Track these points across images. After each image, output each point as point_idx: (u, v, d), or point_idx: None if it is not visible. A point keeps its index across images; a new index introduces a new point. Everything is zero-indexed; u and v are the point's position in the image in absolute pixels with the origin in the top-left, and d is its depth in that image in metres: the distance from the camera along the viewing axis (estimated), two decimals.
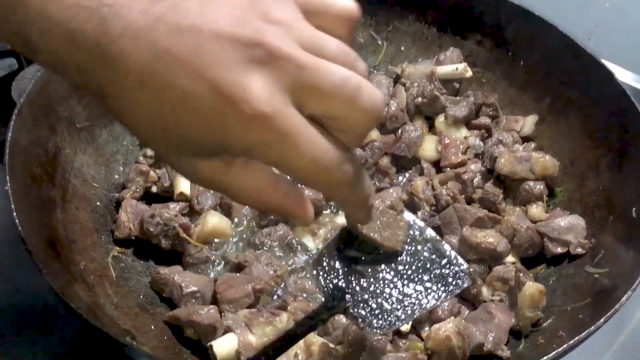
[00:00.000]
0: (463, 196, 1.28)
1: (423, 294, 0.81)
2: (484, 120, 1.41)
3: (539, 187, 1.26)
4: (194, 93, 0.46)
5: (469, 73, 1.45)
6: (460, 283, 0.83)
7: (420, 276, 0.83)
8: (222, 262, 1.20)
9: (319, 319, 0.81)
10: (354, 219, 0.64)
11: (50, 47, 0.46)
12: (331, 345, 1.01)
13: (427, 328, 1.08)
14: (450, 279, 0.83)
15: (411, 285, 0.82)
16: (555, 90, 1.38)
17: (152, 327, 0.99)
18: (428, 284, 0.82)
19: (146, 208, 1.20)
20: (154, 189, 1.27)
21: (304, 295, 1.14)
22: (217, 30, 0.46)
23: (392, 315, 0.80)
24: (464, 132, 1.39)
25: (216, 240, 1.22)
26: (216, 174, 0.52)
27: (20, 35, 0.47)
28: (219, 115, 0.47)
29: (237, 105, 0.46)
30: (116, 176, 1.28)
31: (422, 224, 0.88)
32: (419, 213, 1.25)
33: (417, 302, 0.81)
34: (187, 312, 1.01)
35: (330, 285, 0.78)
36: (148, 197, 1.27)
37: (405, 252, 0.80)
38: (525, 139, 1.38)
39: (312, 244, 1.24)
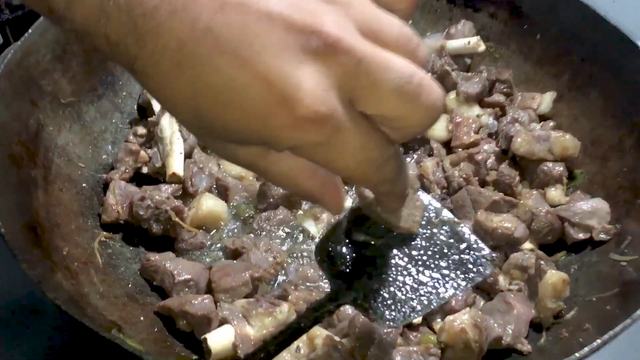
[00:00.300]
0: (476, 178, 1.20)
1: (440, 282, 0.73)
2: (497, 97, 1.33)
3: (559, 168, 1.17)
4: (238, 83, 0.43)
5: (482, 47, 1.37)
6: (482, 270, 0.74)
7: (437, 262, 0.74)
8: (218, 249, 1.13)
9: (324, 310, 0.73)
10: (386, 209, 0.63)
11: (76, 15, 0.42)
12: (336, 338, 0.94)
13: (439, 320, 1.00)
14: (470, 266, 0.74)
15: (427, 272, 0.74)
16: (574, 65, 1.29)
17: (142, 318, 0.94)
18: (446, 271, 0.74)
19: (136, 190, 1.12)
20: (145, 169, 1.19)
21: (307, 283, 1.07)
22: (269, 10, 0.42)
23: (406, 306, 0.72)
24: (476, 110, 1.31)
25: (211, 224, 1.14)
26: (254, 159, 0.51)
27: (44, 1, 0.43)
28: (266, 112, 0.44)
29: (288, 104, 0.43)
30: (104, 156, 1.20)
31: (438, 204, 0.79)
32: (430, 195, 1.16)
33: (434, 291, 0.73)
34: (179, 302, 0.93)
35: (336, 273, 0.71)
36: (138, 179, 1.19)
37: (420, 236, 0.73)
38: (542, 118, 1.30)
39: (315, 228, 1.16)
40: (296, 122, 0.44)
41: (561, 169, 1.18)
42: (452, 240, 0.76)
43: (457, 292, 0.73)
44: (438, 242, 0.76)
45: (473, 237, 0.78)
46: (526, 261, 1.03)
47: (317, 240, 1.14)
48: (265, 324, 0.91)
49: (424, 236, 0.75)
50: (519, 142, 1.18)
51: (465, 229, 0.78)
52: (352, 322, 0.95)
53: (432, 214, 0.78)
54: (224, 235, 1.14)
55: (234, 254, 1.09)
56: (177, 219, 1.09)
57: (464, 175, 1.18)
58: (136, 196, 1.09)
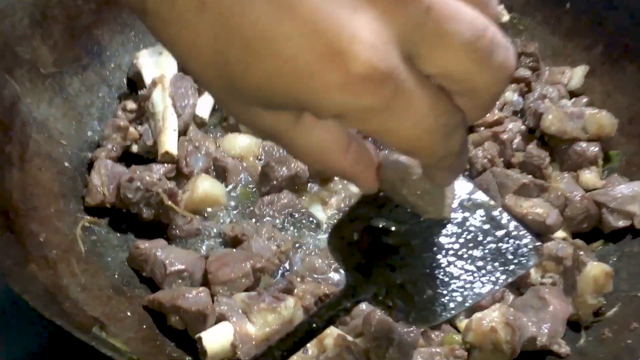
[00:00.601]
0: (501, 159, 1.09)
1: (476, 275, 0.63)
2: (522, 72, 1.21)
3: (593, 149, 1.06)
4: (276, 31, 0.37)
5: (505, 18, 1.27)
6: (524, 262, 0.64)
7: (471, 252, 0.64)
8: (215, 236, 1.03)
9: (340, 308, 0.63)
10: (441, 184, 0.57)
11: None
12: (349, 337, 0.83)
13: (463, 317, 0.89)
14: (510, 256, 0.64)
15: (459, 264, 0.64)
16: (608, 37, 1.19)
17: (129, 314, 0.86)
18: (481, 263, 0.64)
19: (124, 170, 1.01)
20: (135, 148, 1.08)
21: (314, 275, 0.97)
22: None
23: (436, 305, 0.62)
24: None
25: (208, 209, 1.05)
26: (281, 127, 0.45)
27: None
28: (310, 68, 0.38)
29: (339, 59, 0.37)
30: (89, 133, 1.10)
31: (470, 184, 0.68)
32: None
33: (468, 286, 0.63)
34: (171, 296, 0.83)
35: (353, 265, 0.64)
36: (127, 158, 1.09)
37: (450, 222, 0.65)
38: (572, 95, 1.19)
39: (323, 214, 1.06)
40: (348, 81, 0.38)
41: (596, 149, 1.07)
42: (488, 227, 0.66)
43: (496, 287, 0.63)
44: (471, 228, 0.66)
45: (513, 223, 0.67)
46: (562, 251, 0.92)
47: (325, 226, 1.03)
48: (268, 321, 0.83)
49: (455, 222, 0.66)
50: (550, 120, 1.07)
51: (504, 214, 0.67)
52: (366, 319, 0.84)
53: (464, 196, 0.68)
54: (222, 221, 1.04)
55: (234, 242, 0.99)
56: (169, 203, 0.98)
57: (488, 156, 1.07)
58: (124, 177, 0.98)
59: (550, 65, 1.24)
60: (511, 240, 0.66)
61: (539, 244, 0.65)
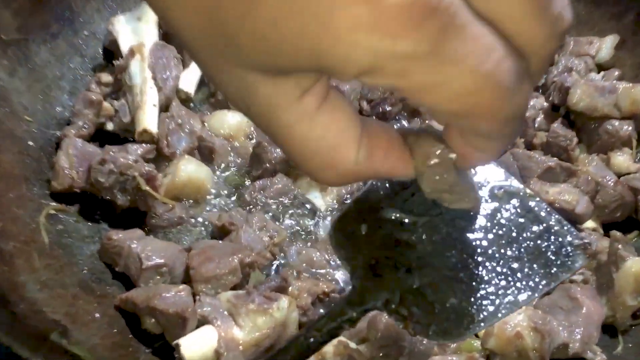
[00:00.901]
0: (522, 140, 0.97)
1: (511, 280, 0.52)
2: None
3: (627, 127, 0.95)
4: None
5: None
6: (569, 263, 0.53)
7: (504, 252, 0.53)
8: (200, 225, 0.92)
9: (345, 319, 0.52)
10: (484, 160, 0.44)
11: None
12: (352, 344, 0.72)
13: None
14: (552, 256, 0.53)
15: (490, 265, 0.53)
16: None
17: (97, 316, 0.77)
18: (517, 264, 0.53)
19: (96, 151, 0.90)
20: (109, 125, 0.96)
21: (312, 270, 0.86)
22: None
23: (462, 315, 0.51)
24: None
25: (192, 195, 0.92)
26: (279, 102, 0.37)
27: None
28: (330, 4, 0.31)
29: None
30: (58, 108, 0.99)
31: (501, 170, 0.57)
32: None
33: (502, 293, 0.52)
34: (146, 295, 0.73)
35: (360, 265, 0.53)
36: (101, 137, 0.98)
37: (477, 214, 0.54)
38: (600, 68, 1.06)
39: (322, 201, 0.95)
40: (381, 17, 0.31)
41: (630, 128, 0.96)
42: (523, 220, 0.55)
43: (535, 294, 0.52)
44: (504, 222, 0.55)
45: (555, 216, 0.56)
46: (596, 244, 0.80)
47: (324, 215, 0.92)
48: (258, 324, 0.75)
49: (484, 214, 0.54)
50: (578, 95, 0.95)
51: (543, 204, 0.56)
52: (372, 323, 0.74)
53: (495, 183, 0.56)
54: (208, 209, 0.92)
55: (220, 233, 0.88)
56: (147, 188, 0.87)
57: None
58: (95, 158, 0.86)
59: (575, 35, 1.12)
60: (552, 237, 0.54)
61: (586, 241, 0.54)
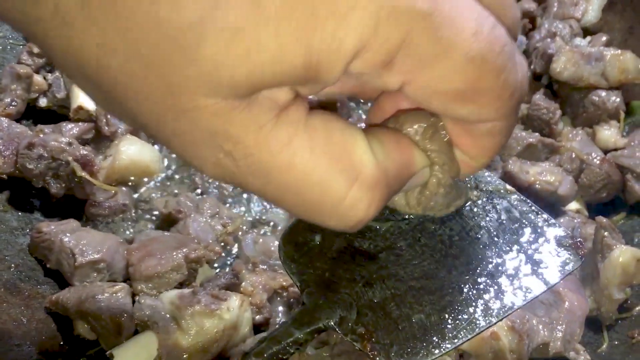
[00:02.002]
0: None
1: (490, 288, 0.45)
2: (526, 4, 1.02)
3: (615, 99, 0.87)
4: None
5: None
6: (561, 266, 0.46)
7: (481, 257, 0.47)
8: (146, 212, 0.81)
9: (290, 341, 0.45)
10: (482, 159, 0.40)
11: None
12: (309, 349, 0.64)
13: None
14: (539, 259, 0.46)
15: (465, 273, 0.46)
16: None
17: (24, 320, 0.70)
18: (497, 271, 0.46)
19: (25, 131, 0.79)
20: (42, 102, 0.87)
21: (269, 261, 0.77)
22: None
23: (431, 332, 0.44)
24: None
25: (136, 179, 0.83)
26: (250, 129, 0.32)
27: None
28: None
29: None
30: None
31: None
32: None
33: (481, 305, 0.45)
34: (78, 297, 0.66)
35: (312, 281, 0.47)
36: (34, 115, 0.86)
37: (448, 217, 0.48)
38: (586, 32, 0.97)
39: None
40: None
41: (618, 99, 0.88)
42: (504, 221, 0.49)
43: (520, 304, 0.45)
44: (482, 224, 0.48)
45: (542, 215, 0.49)
46: (581, 230, 0.73)
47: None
48: (206, 327, 0.68)
49: (458, 216, 0.48)
50: (562, 63, 0.87)
51: (527, 202, 0.50)
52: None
53: (470, 180, 0.49)
54: (154, 195, 0.83)
55: (168, 221, 0.79)
56: (83, 174, 0.77)
57: None
58: (23, 142, 0.76)
59: None
60: (539, 239, 0.48)
61: (579, 239, 0.46)
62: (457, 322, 0.44)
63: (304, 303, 0.47)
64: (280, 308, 0.76)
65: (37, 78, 0.86)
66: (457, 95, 0.33)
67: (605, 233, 0.70)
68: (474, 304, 0.45)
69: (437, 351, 0.44)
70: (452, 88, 0.33)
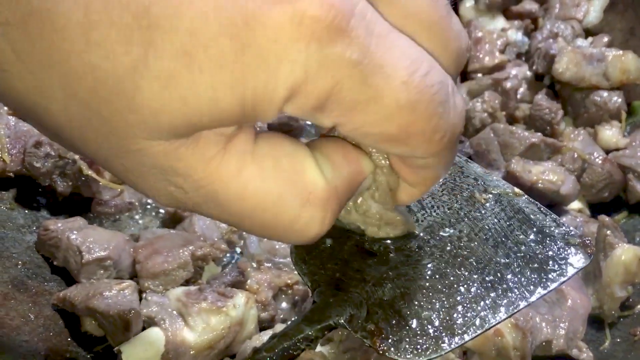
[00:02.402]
0: (504, 113, 0.89)
1: (498, 287, 0.47)
2: (528, 5, 1.02)
3: (616, 99, 0.88)
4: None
5: None
6: (568, 264, 0.47)
7: (489, 257, 0.48)
8: (152, 210, 0.82)
9: (301, 337, 0.46)
10: (418, 192, 0.41)
11: None
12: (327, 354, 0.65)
13: None
14: (547, 258, 0.47)
15: (472, 274, 0.48)
16: None
17: (31, 317, 0.69)
18: (506, 270, 0.47)
19: (32, 129, 0.80)
20: None
21: (274, 259, 0.78)
22: None
23: (439, 328, 0.45)
24: (501, 22, 1.01)
25: None
26: (199, 164, 0.33)
27: None
28: (250, 21, 0.30)
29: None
30: None
31: (479, 168, 0.54)
32: None
33: (489, 302, 0.46)
34: (85, 294, 0.67)
35: (323, 281, 0.48)
36: None
37: (455, 218, 0.50)
38: (588, 33, 0.98)
39: None
40: (304, 25, 0.30)
41: (619, 100, 0.89)
42: (512, 222, 0.50)
43: (529, 301, 0.46)
44: (490, 226, 0.49)
45: (549, 215, 0.50)
46: (583, 229, 0.73)
47: None
48: (212, 324, 0.69)
49: (467, 218, 0.50)
50: (564, 64, 0.87)
51: (534, 203, 0.51)
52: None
53: (477, 184, 0.51)
54: None
55: (173, 220, 0.80)
56: (90, 172, 0.78)
57: (489, 109, 0.88)
58: (30, 141, 0.77)
59: None
60: (547, 239, 0.49)
61: (587, 238, 0.48)
62: (466, 319, 0.45)
63: (314, 302, 0.48)
64: (285, 305, 0.76)
65: None
66: (388, 138, 0.34)
67: (608, 232, 0.71)
68: (482, 301, 0.46)
69: (445, 346, 0.45)
70: (382, 132, 0.34)
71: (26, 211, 0.81)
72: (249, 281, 0.74)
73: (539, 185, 0.79)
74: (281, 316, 0.76)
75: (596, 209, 0.83)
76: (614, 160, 0.83)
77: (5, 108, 0.83)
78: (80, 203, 0.83)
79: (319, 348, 0.67)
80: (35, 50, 0.30)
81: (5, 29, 0.30)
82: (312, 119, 0.33)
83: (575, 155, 0.83)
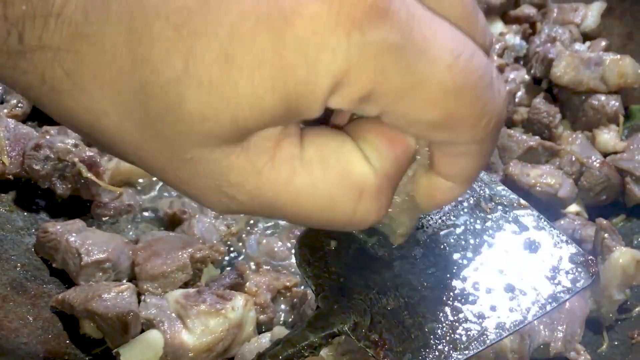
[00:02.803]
0: None
1: (502, 302, 0.47)
2: (526, 10, 1.03)
3: (614, 103, 0.88)
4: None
5: None
6: (571, 284, 0.47)
7: (493, 271, 0.48)
8: (151, 213, 0.82)
9: (305, 344, 0.47)
10: (445, 196, 0.40)
11: None
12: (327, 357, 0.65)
13: None
14: (550, 275, 0.47)
15: (477, 285, 0.47)
16: None
17: (30, 319, 0.70)
18: (509, 285, 0.47)
19: (31, 132, 0.80)
20: None
21: (273, 262, 0.78)
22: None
23: (442, 342, 0.46)
24: (499, 26, 1.02)
25: (140, 179, 0.83)
26: (250, 170, 0.33)
27: None
28: (286, 15, 0.30)
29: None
30: None
31: (486, 176, 0.53)
32: None
33: (492, 317, 0.46)
34: (84, 296, 0.67)
35: (327, 285, 0.48)
36: (40, 117, 0.89)
37: (459, 226, 0.50)
38: (586, 38, 0.99)
39: None
40: (343, 11, 0.29)
41: (617, 103, 0.89)
42: (517, 236, 0.49)
43: (529, 319, 0.46)
44: (495, 239, 0.49)
45: (554, 231, 0.50)
46: (581, 232, 0.73)
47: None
48: (211, 327, 0.69)
49: (473, 227, 0.50)
50: (562, 67, 0.88)
51: (541, 218, 0.50)
52: None
53: (483, 191, 0.51)
54: (160, 195, 0.84)
55: (172, 222, 0.80)
56: (89, 175, 0.78)
57: None
58: (29, 144, 0.77)
59: (559, 1, 1.05)
60: (551, 255, 0.48)
61: (590, 257, 0.48)
62: (469, 333, 0.45)
63: (318, 307, 0.48)
64: (284, 307, 0.77)
65: None
66: (433, 125, 0.33)
67: (606, 235, 0.71)
68: (486, 316, 0.46)
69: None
70: (428, 118, 0.33)
71: (25, 213, 0.81)
72: (247, 283, 0.74)
73: (537, 188, 0.80)
74: (280, 319, 0.76)
75: (594, 212, 0.83)
76: (612, 163, 0.83)
77: (5, 111, 0.83)
78: (79, 206, 0.83)
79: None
80: (86, 72, 0.31)
81: (57, 53, 0.31)
82: (358, 110, 0.33)
83: (573, 159, 0.83)
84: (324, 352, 0.67)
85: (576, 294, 0.46)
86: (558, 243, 0.48)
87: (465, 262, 0.47)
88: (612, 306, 0.71)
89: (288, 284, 0.76)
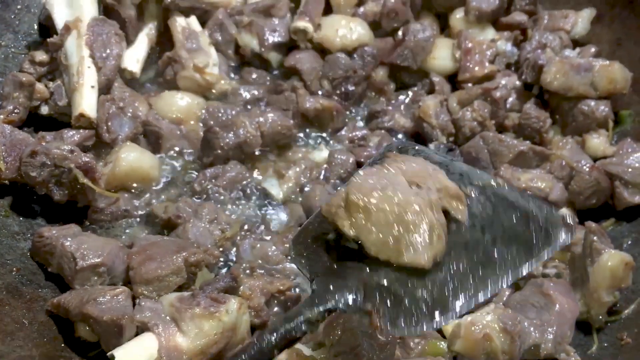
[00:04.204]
0: (493, 122, 0.91)
1: (487, 265, 0.52)
2: (518, 17, 1.04)
3: (603, 108, 0.89)
4: None
5: None
6: (551, 238, 0.52)
7: (478, 240, 0.53)
8: (146, 218, 0.83)
9: (302, 320, 0.51)
10: None
11: None
12: (306, 351, 0.65)
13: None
14: (531, 236, 0.52)
15: (464, 255, 0.53)
16: None
17: (25, 323, 0.70)
18: (494, 250, 0.53)
19: (27, 138, 0.81)
20: (44, 109, 0.89)
21: (267, 266, 0.79)
22: None
23: (434, 305, 0.51)
24: (491, 33, 1.03)
25: (137, 185, 0.84)
26: None
27: None
28: None
29: None
30: None
31: (464, 166, 0.59)
32: (432, 145, 0.88)
33: (479, 276, 0.52)
34: (79, 300, 0.67)
35: (321, 270, 0.54)
36: (36, 122, 0.89)
37: None
38: (576, 44, 1.00)
39: (278, 189, 0.88)
40: None
41: (606, 109, 0.90)
42: (498, 209, 0.54)
43: (517, 275, 0.52)
44: (476, 214, 0.54)
45: (532, 200, 0.55)
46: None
47: (280, 204, 0.86)
48: (205, 330, 0.69)
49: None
50: (553, 73, 0.89)
51: (516, 192, 0.56)
52: (330, 324, 0.66)
53: (463, 178, 0.56)
54: (155, 200, 0.84)
55: (167, 226, 0.81)
56: (86, 181, 0.79)
57: (478, 118, 0.89)
58: (25, 150, 0.77)
59: (550, 8, 1.06)
60: (530, 220, 0.53)
61: (568, 213, 0.52)
62: (457, 296, 0.49)
63: (314, 290, 0.52)
64: (277, 310, 0.77)
65: (39, 86, 0.88)
66: None
67: (595, 238, 0.72)
68: (471, 279, 0.50)
69: (439, 320, 0.50)
70: None
71: (21, 218, 0.81)
72: (241, 287, 0.74)
73: (528, 192, 0.80)
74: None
75: (584, 215, 0.84)
76: (602, 167, 0.84)
77: (2, 116, 0.84)
78: (74, 211, 0.83)
79: (309, 353, 0.67)
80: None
81: None
82: None
83: (564, 163, 0.84)
84: (316, 353, 0.67)
85: (557, 248, 0.52)
86: (536, 208, 0.53)
87: (450, 236, 0.51)
88: (601, 308, 0.72)
89: (282, 287, 0.77)
